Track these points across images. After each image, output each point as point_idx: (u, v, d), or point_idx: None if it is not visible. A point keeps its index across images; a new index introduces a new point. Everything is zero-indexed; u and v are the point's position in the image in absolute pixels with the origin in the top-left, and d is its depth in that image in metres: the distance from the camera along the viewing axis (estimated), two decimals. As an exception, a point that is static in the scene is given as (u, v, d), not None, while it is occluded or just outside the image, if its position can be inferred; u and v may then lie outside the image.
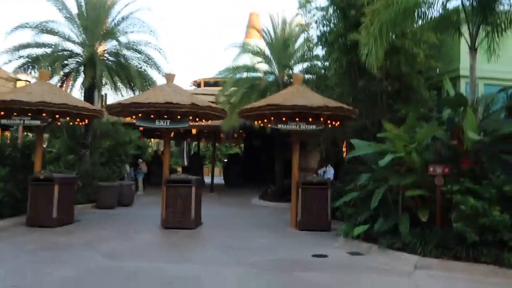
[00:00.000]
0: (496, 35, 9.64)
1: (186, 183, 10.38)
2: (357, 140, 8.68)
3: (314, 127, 10.10)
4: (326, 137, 13.63)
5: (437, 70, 12.17)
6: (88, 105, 11.21)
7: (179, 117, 10.09)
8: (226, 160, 26.37)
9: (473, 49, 8.99)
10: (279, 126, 10.17)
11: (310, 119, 10.08)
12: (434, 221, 7.35)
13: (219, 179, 27.41)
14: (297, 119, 10.07)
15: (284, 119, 10.13)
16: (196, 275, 6.41)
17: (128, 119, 10.67)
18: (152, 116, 10.05)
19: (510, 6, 9.30)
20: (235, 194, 19.67)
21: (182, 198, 10.29)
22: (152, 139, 28.01)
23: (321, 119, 10.17)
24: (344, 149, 14.85)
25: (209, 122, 11.48)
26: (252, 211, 14.41)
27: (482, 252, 6.54)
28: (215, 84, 22.90)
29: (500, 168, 7.21)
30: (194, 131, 20.71)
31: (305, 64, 16.57)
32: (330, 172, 11.85)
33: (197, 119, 10.97)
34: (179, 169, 27.04)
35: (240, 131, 21.25)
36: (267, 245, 8.65)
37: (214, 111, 10.19)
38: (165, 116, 10.04)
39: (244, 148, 26.72)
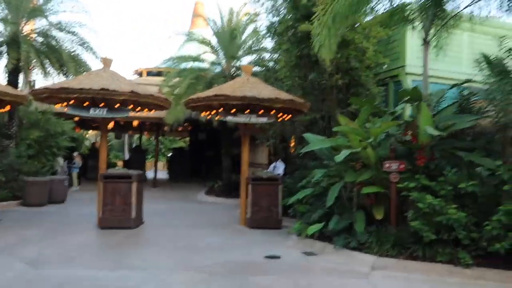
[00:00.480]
0: (445, 31, 9.62)
1: (126, 178, 9.45)
2: (310, 134, 8.25)
3: (265, 119, 9.57)
4: (275, 132, 13.17)
5: (385, 66, 12.08)
6: (9, 88, 9.83)
7: (117, 106, 9.13)
8: (170, 154, 25.28)
9: (426, 43, 8.86)
10: (228, 118, 9.52)
11: (261, 112, 9.52)
12: (389, 219, 7.07)
13: (163, 174, 26.31)
14: (247, 111, 9.47)
15: (233, 111, 9.49)
16: (137, 284, 5.63)
17: (58, 106, 9.51)
18: (86, 104, 8.99)
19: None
20: (180, 189, 18.77)
21: (121, 195, 9.35)
22: (89, 131, 26.23)
23: (272, 111, 9.64)
24: (292, 144, 14.49)
25: (153, 112, 10.56)
26: (198, 207, 13.67)
27: (438, 251, 6.32)
28: (158, 74, 21.68)
29: (453, 165, 7.06)
30: (135, 123, 19.50)
31: (254, 56, 16.01)
32: (280, 168, 11.42)
33: (138, 109, 10.04)
34: (120, 163, 25.61)
35: (185, 123, 20.34)
36: (216, 245, 7.99)
37: (157, 100, 9.33)
38: (102, 105, 9.03)
39: (190, 142, 25.75)
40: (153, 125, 22.50)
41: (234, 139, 18.50)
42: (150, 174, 22.17)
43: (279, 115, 9.95)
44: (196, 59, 16.11)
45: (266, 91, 9.31)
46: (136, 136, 30.84)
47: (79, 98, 8.88)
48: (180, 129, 24.45)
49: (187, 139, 27.83)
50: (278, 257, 7.06)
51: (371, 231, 6.94)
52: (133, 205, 9.37)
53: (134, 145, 30.75)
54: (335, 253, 7.05)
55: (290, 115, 10.41)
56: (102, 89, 8.55)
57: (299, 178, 11.63)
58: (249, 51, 15.80)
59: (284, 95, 9.40)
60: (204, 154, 22.89)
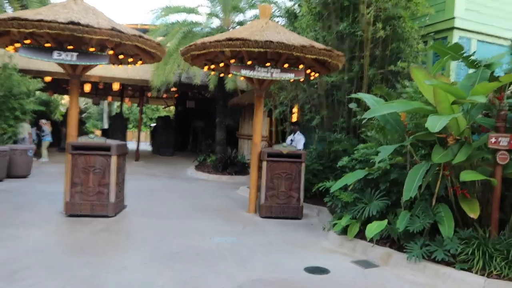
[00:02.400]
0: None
1: (103, 150, 6.87)
2: (368, 95, 5.80)
3: (291, 75, 7.04)
4: (287, 96, 10.67)
5: (428, 17, 9.62)
6: None
7: (92, 49, 6.43)
8: (154, 124, 22.47)
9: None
10: (243, 72, 6.93)
11: (286, 65, 7.00)
12: (488, 220, 4.77)
13: (145, 146, 23.57)
14: (268, 64, 6.92)
15: (249, 62, 6.92)
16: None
17: (10, 49, 6.72)
18: (47, 44, 6.27)
19: None
20: (166, 163, 16.16)
21: (95, 172, 6.79)
22: (64, 96, 23.11)
23: (301, 66, 7.13)
24: (295, 112, 12.00)
25: (139, 65, 7.87)
26: (190, 185, 11.18)
27: None
28: (144, 32, 18.69)
29: None
30: (116, 86, 16.62)
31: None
32: (300, 142, 9.02)
33: (121, 58, 7.36)
34: (98, 132, 22.72)
35: (172, 89, 17.60)
36: (227, 247, 5.57)
37: (147, 44, 6.63)
38: (70, 47, 6.33)
39: (176, 111, 22.95)
40: (135, 91, 19.65)
41: (229, 108, 15.95)
42: (131, 145, 19.51)
43: (308, 72, 7.44)
44: (190, 10, 13.28)
45: (295, 38, 6.75)
46: (117, 103, 27.82)
47: (38, 35, 6.15)
48: (165, 96, 21.64)
49: (172, 108, 25.00)
50: (325, 271, 4.71)
51: (464, 237, 4.62)
52: (111, 186, 6.83)
53: (114, 113, 27.71)
54: (409, 267, 4.73)
55: (317, 73, 7.93)
56: (71, 22, 5.83)
57: (325, 154, 9.29)
58: (253, 4, 13.07)
59: (318, 44, 6.86)
60: (193, 124, 20.24)
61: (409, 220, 4.88)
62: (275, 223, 7.17)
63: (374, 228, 5.02)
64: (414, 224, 4.81)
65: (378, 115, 4.97)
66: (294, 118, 11.82)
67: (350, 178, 5.53)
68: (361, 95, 5.80)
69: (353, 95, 6.24)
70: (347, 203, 5.89)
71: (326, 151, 9.55)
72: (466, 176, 4.41)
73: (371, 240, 5.22)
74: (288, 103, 11.00)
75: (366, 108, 8.58)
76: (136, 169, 13.64)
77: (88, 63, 6.44)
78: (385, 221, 5.08)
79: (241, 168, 13.25)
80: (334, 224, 5.89)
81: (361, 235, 5.54)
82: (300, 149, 8.28)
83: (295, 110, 11.75)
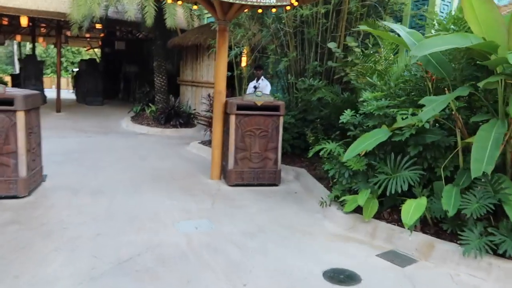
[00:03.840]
0: None
1: (3, 104, 4.58)
2: (399, 25, 4.07)
3: (272, 0, 5.11)
4: (246, 34, 8.68)
5: None
6: None
7: None
8: (77, 69, 19.09)
9: None
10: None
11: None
12: None
13: (67, 94, 20.29)
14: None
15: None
16: None
17: None
18: None
19: None
20: (95, 114, 13.53)
21: (-6, 135, 4.54)
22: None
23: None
24: (246, 55, 10.06)
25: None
26: (128, 142, 9.04)
27: None
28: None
29: None
30: (24, 21, 13.25)
31: None
32: (266, 89, 7.23)
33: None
34: (7, 78, 19.03)
35: (98, 26, 14.57)
36: (202, 241, 3.82)
37: None
38: None
39: (103, 54, 19.65)
40: (51, 28, 16.19)
41: (169, 50, 13.53)
42: (51, 94, 16.41)
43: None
44: None
45: None
46: (29, 44, 23.60)
47: None
48: (88, 36, 18.31)
49: (97, 51, 21.53)
50: (354, 278, 3.20)
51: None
52: (20, 155, 4.65)
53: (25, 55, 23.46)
54: (463, 264, 3.35)
55: (297, 2, 6.05)
56: None
57: (290, 105, 7.65)
58: None
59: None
60: (124, 69, 17.40)
61: (460, 198, 3.46)
62: (251, 193, 5.52)
63: (412, 210, 3.54)
64: (471, 205, 3.40)
65: (428, 52, 3.31)
66: (244, 62, 9.89)
67: (369, 141, 3.94)
68: (392, 25, 4.08)
69: (361, 27, 4.52)
70: (356, 173, 4.36)
71: (295, 101, 7.93)
72: None
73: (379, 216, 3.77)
74: (246, 43, 9.03)
75: (346, 49, 6.99)
76: (58, 123, 11.07)
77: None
78: (424, 200, 3.62)
79: (187, 120, 11.25)
80: (340, 200, 4.37)
81: (376, 214, 4.08)
82: (273, 99, 6.49)
83: (245, 51, 9.76)
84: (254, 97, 5.79)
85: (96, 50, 22.16)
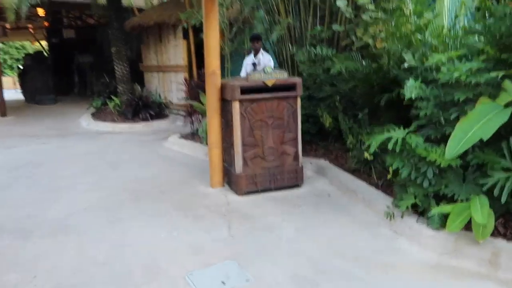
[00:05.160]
0: None
1: None
2: None
3: None
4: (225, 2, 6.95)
5: None
6: None
7: None
8: (22, 66, 16.44)
9: None
10: None
11: None
12: None
13: (14, 94, 17.61)
14: None
15: None
16: None
17: None
18: None
19: None
20: (48, 114, 11.31)
21: None
22: None
23: None
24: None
25: None
26: (93, 144, 7.19)
27: None
28: None
29: None
30: None
31: None
32: (270, 65, 5.55)
33: None
34: None
35: (40, 13, 12.23)
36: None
37: None
38: None
39: (50, 45, 17.00)
40: (-16, 19, 13.56)
41: (127, 34, 11.50)
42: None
43: None
44: None
45: None
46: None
47: None
48: (30, 26, 15.72)
49: (45, 43, 18.78)
50: None
51: None
52: None
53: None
54: None
55: None
56: None
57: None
58: None
59: None
60: (76, 60, 15.06)
61: None
62: (271, 204, 4.00)
63: None
64: None
65: None
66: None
67: (479, 125, 2.48)
68: None
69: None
70: (444, 170, 2.92)
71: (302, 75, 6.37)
72: None
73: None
74: (223, 14, 7.28)
75: (358, 7, 5.50)
76: (3, 129, 8.98)
77: None
78: None
79: (158, 111, 9.46)
80: (420, 210, 2.93)
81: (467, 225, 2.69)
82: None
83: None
84: (262, 75, 4.18)
85: (42, 42, 19.38)
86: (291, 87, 4.29)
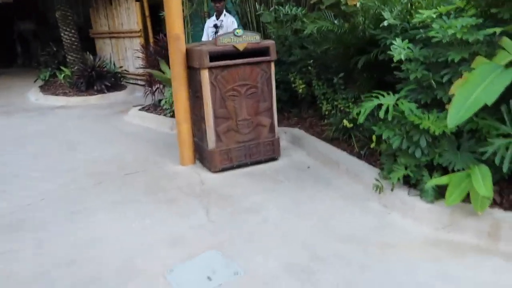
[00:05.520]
0: None
1: None
2: None
3: None
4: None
5: None
6: None
7: None
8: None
9: None
10: None
11: None
12: None
13: None
14: None
15: None
16: None
17: None
18: None
19: None
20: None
21: None
22: None
23: None
24: None
25: None
26: (44, 122, 6.48)
27: None
28: None
29: None
30: None
31: None
32: (233, 24, 5.05)
33: None
34: None
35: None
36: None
37: None
38: None
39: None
40: None
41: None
42: None
43: None
44: None
45: None
46: None
47: None
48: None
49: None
50: None
51: None
52: None
53: None
54: None
55: None
56: None
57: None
58: None
59: None
60: (17, 28, 13.62)
61: None
62: (250, 181, 3.70)
63: None
64: None
65: None
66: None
67: (480, 88, 2.24)
68: None
69: None
70: (437, 139, 2.70)
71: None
72: None
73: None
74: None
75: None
76: None
77: None
78: None
79: (114, 81, 8.73)
80: (412, 182, 2.73)
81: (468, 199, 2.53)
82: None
83: None
84: (232, 39, 3.74)
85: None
86: (264, 51, 3.89)
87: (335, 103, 4.49)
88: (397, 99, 2.83)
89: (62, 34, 9.04)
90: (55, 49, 9.98)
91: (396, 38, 2.98)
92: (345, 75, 4.50)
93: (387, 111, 2.74)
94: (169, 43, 3.91)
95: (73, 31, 9.00)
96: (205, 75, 3.71)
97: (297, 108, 5.33)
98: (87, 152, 4.89)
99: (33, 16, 13.24)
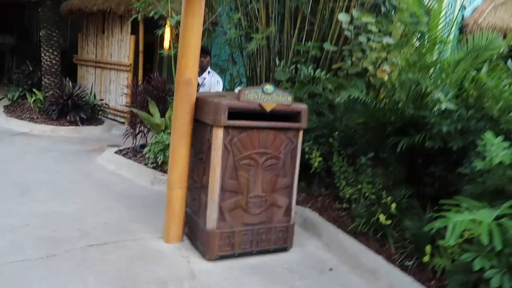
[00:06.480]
0: None
1: None
2: None
3: None
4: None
5: None
6: None
7: None
8: None
9: None
10: None
11: None
12: None
13: None
14: None
15: None
16: None
17: None
18: None
19: None
20: None
21: None
22: None
23: None
24: (166, 37, 6.88)
25: None
26: (3, 150, 5.31)
27: None
28: None
29: None
30: None
31: None
32: (217, 87, 4.22)
33: None
34: None
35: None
36: None
37: None
38: None
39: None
40: None
41: (63, 18, 9.56)
42: None
43: None
44: None
45: None
46: None
47: None
48: None
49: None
50: None
51: None
52: None
53: None
54: None
55: None
56: None
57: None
58: None
59: None
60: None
61: None
62: (256, 279, 2.70)
63: None
64: None
65: None
66: (167, 42, 6.74)
67: None
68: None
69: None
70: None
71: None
72: None
73: None
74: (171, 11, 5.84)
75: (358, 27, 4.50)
76: None
77: None
78: None
79: (92, 114, 7.66)
80: None
81: None
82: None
83: (167, 29, 6.52)
84: (260, 95, 2.89)
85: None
86: (294, 116, 3.05)
87: (359, 186, 3.67)
88: (498, 217, 2.00)
89: (42, 55, 8.03)
90: (31, 68, 8.87)
91: (488, 132, 2.22)
92: (373, 156, 3.73)
93: (490, 234, 1.90)
94: (177, 87, 3.02)
95: (55, 53, 8.01)
96: (218, 135, 2.81)
97: (305, 181, 4.46)
98: (42, 201, 3.75)
99: (15, 31, 12.17)
